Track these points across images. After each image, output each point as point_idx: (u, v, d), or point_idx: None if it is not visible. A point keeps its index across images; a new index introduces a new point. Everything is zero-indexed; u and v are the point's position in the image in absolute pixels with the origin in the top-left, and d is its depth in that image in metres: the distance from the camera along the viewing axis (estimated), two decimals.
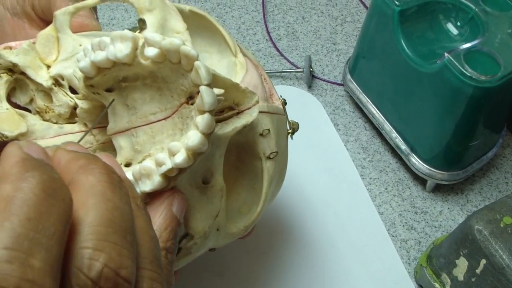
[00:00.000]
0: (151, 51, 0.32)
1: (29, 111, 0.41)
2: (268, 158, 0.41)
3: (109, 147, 0.38)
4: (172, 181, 0.32)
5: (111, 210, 0.24)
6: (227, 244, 0.42)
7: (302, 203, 0.61)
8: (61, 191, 0.22)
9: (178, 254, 0.36)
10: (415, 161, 0.62)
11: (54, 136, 0.39)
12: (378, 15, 0.60)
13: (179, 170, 0.31)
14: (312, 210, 0.61)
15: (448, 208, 0.63)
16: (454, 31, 0.59)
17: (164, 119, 0.34)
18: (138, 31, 0.36)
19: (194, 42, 0.43)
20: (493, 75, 0.52)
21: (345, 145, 0.67)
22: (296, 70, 0.73)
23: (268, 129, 0.40)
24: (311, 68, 0.72)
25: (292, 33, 0.78)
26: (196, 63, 0.30)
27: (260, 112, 0.38)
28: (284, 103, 0.44)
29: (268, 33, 0.78)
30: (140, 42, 0.32)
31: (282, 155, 0.44)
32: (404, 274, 0.57)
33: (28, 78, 0.39)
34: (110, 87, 0.36)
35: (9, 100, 0.40)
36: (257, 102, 0.37)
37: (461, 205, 0.63)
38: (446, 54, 0.53)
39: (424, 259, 0.55)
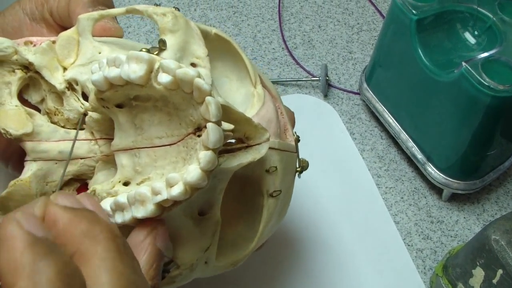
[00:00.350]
0: (164, 78, 0.31)
1: (39, 110, 0.40)
2: (271, 196, 0.40)
3: (112, 160, 0.38)
4: (166, 211, 0.32)
5: (125, 287, 0.23)
6: None
7: (317, 212, 0.61)
8: (76, 277, 0.21)
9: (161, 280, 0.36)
10: (431, 170, 0.62)
11: (59, 140, 0.39)
12: (395, 24, 0.60)
13: (174, 202, 0.31)
14: (327, 219, 0.60)
15: (464, 218, 0.63)
16: (471, 40, 0.59)
17: (169, 145, 0.34)
18: (156, 51, 0.35)
19: (216, 66, 0.43)
20: (511, 84, 0.51)
21: (361, 154, 0.67)
22: (312, 78, 0.73)
23: (276, 167, 0.39)
24: (327, 76, 0.72)
25: (308, 41, 0.79)
26: (208, 98, 0.30)
27: (270, 148, 0.37)
28: (298, 140, 0.43)
29: (284, 41, 0.78)
30: (156, 65, 0.32)
31: (286, 193, 0.43)
32: (420, 284, 0.57)
33: (42, 78, 0.39)
34: (120, 103, 0.35)
35: (21, 97, 0.40)
36: (268, 139, 0.36)
37: (477, 214, 0.63)
38: (463, 63, 0.53)
39: (440, 268, 0.55)
